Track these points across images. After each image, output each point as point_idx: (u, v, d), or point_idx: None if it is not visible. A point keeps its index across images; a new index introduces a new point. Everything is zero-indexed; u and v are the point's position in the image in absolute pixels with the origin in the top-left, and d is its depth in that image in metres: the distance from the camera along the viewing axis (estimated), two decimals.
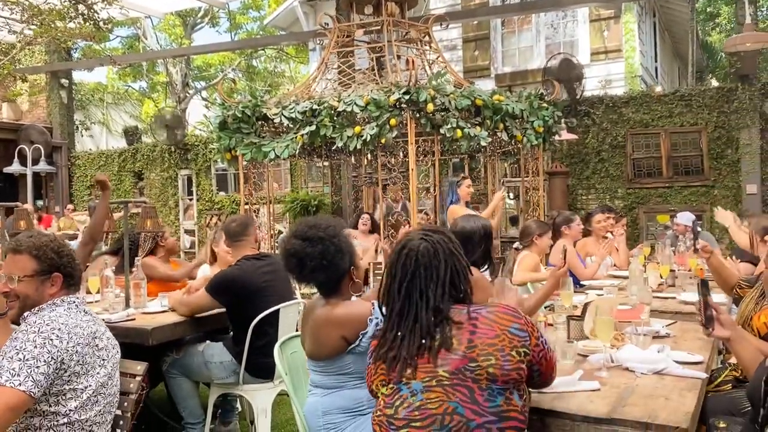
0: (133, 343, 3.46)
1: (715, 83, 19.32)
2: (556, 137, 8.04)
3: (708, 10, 19.74)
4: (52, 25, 7.67)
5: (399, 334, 1.83)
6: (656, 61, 14.38)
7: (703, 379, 2.29)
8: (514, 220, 10.92)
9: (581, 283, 4.75)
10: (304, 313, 2.53)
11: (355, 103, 5.99)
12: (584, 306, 2.96)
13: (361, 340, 2.30)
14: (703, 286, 2.25)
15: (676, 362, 2.41)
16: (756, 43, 7.71)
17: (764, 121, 9.04)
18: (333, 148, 7.19)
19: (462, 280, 1.90)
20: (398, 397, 1.79)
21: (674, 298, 4.03)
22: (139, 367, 2.38)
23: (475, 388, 1.73)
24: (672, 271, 4.71)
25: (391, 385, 1.82)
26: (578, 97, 10.17)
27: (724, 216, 5.10)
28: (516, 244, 4.98)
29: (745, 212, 7.13)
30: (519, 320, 1.82)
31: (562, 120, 8.05)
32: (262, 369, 3.63)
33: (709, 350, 2.72)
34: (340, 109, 6.10)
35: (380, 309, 1.97)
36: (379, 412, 1.83)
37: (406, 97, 5.91)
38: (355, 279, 2.49)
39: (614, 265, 5.57)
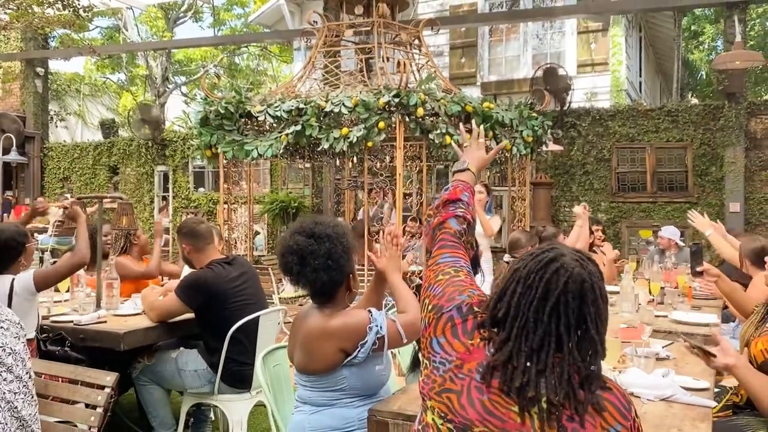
0: (102, 348, 3.27)
1: (695, 100, 19.54)
2: (543, 148, 7.98)
3: (692, 28, 19.94)
4: (30, 10, 7.40)
5: (529, 365, 1.37)
6: (641, 76, 14.45)
7: (712, 408, 2.17)
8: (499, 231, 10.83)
9: None
10: (294, 322, 2.35)
11: (343, 103, 5.83)
12: None
13: (359, 351, 2.13)
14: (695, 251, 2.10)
15: (683, 388, 2.29)
16: (745, 62, 7.72)
17: (749, 139, 9.07)
18: (318, 149, 7.02)
19: (601, 336, 1.40)
20: None
21: (666, 316, 3.93)
22: (109, 378, 2.18)
23: None
24: (661, 288, 4.62)
25: (449, 426, 1.42)
26: (566, 108, 10.12)
27: (701, 223, 4.64)
28: (506, 257, 4.84)
29: (728, 231, 7.09)
30: (626, 421, 1.36)
31: (550, 130, 7.98)
32: (237, 379, 3.45)
33: (713, 375, 2.61)
34: (327, 110, 5.93)
35: (494, 321, 1.45)
36: None
37: (396, 100, 5.76)
38: (352, 288, 2.32)
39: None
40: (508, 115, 6.73)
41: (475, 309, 1.52)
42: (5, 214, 10.40)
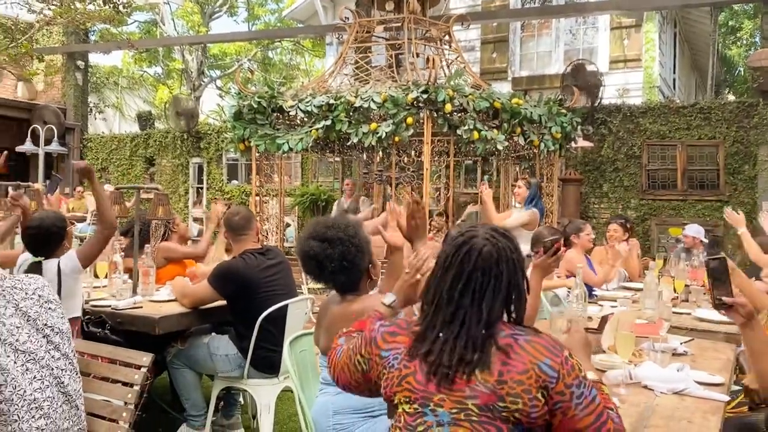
0: (138, 331, 3.43)
1: (732, 97, 19.16)
2: (573, 144, 7.97)
3: (730, 23, 19.54)
4: (72, 6, 7.64)
5: (441, 335, 1.61)
6: (674, 73, 14.24)
7: (725, 402, 2.22)
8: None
9: (594, 293, 4.67)
10: (320, 310, 2.48)
11: (372, 99, 5.92)
12: (601, 318, 2.89)
13: None
14: (715, 268, 2.10)
15: (697, 382, 2.34)
16: None
17: None
18: (347, 143, 7.13)
19: (519, 300, 1.66)
20: (421, 422, 1.60)
21: (689, 314, 3.95)
22: (145, 359, 2.33)
23: (504, 428, 1.54)
24: (686, 285, 4.62)
25: (415, 406, 1.61)
26: (596, 104, 10.07)
27: (735, 219, 4.67)
28: (527, 252, 4.90)
29: (759, 231, 7.01)
30: (556, 357, 1.54)
31: (579, 127, 7.97)
32: (266, 364, 3.59)
33: (729, 371, 2.65)
34: (356, 105, 6.03)
35: (423, 303, 1.71)
36: (398, 431, 1.66)
37: (425, 95, 5.84)
38: (373, 277, 2.44)
39: (627, 278, 5.50)
40: (536, 111, 6.75)
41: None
42: (48, 194, 10.74)
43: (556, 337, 1.90)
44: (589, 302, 4.11)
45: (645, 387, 2.29)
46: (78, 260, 3.31)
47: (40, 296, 2.17)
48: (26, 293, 2.15)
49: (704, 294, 4.48)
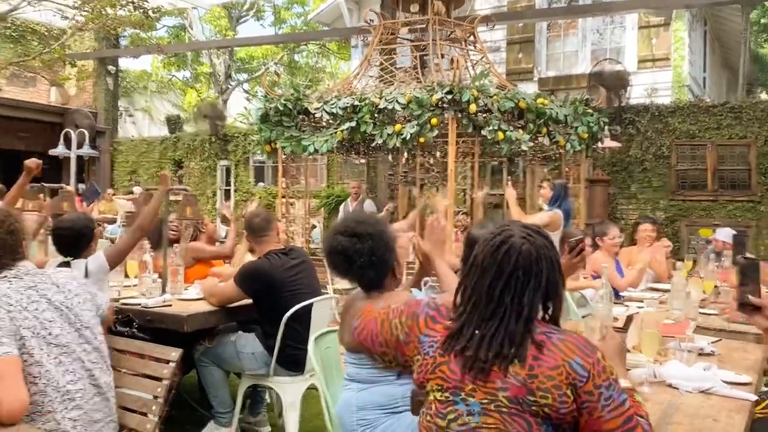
0: (167, 329, 3.50)
1: (764, 96, 18.75)
2: (599, 144, 7.90)
3: (762, 21, 19.16)
4: (103, 12, 7.81)
5: (477, 332, 1.63)
6: (704, 71, 14.01)
7: (752, 401, 2.19)
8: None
9: (620, 294, 4.64)
10: (344, 307, 2.51)
11: (396, 100, 5.95)
12: (627, 318, 2.88)
13: None
14: (746, 266, 2.04)
15: (724, 382, 2.31)
16: None
17: None
18: (372, 145, 7.17)
19: (557, 297, 1.69)
20: (452, 410, 1.64)
21: (718, 315, 3.90)
22: (173, 354, 2.38)
23: (533, 422, 1.57)
24: (715, 287, 4.56)
25: (447, 394, 1.65)
26: (623, 104, 9.96)
27: None
28: None
29: None
30: (587, 357, 1.57)
31: (606, 127, 7.89)
32: (292, 362, 3.63)
33: (758, 371, 2.61)
34: (381, 107, 6.06)
35: (455, 301, 1.74)
36: (429, 418, 1.70)
37: (449, 96, 5.85)
38: (398, 275, 2.46)
39: (655, 279, 5.43)
40: (562, 111, 6.71)
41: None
42: (85, 203, 10.98)
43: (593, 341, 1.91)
44: (616, 303, 4.08)
45: (669, 385, 2.27)
46: (105, 261, 3.40)
47: (70, 290, 2.24)
48: (58, 287, 2.22)
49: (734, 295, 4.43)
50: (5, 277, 2.17)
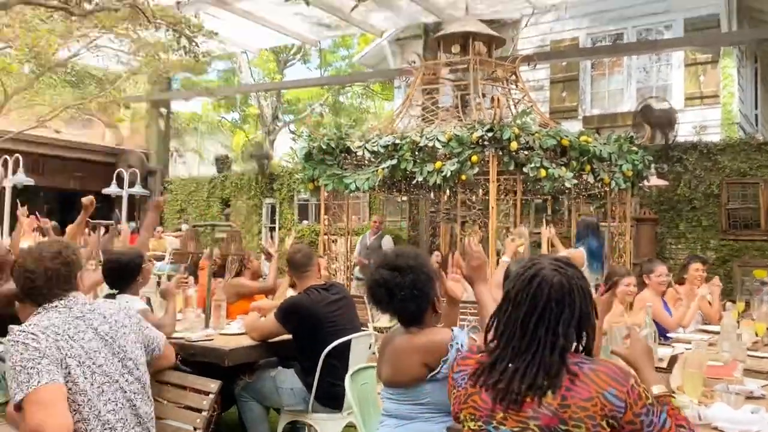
0: (209, 364, 3.55)
1: None
2: (645, 182, 7.77)
3: None
4: (156, 57, 8.17)
5: (510, 365, 1.66)
6: (756, 108, 13.70)
7: None
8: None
9: (669, 335, 4.50)
10: (382, 343, 2.52)
11: (437, 138, 6.00)
12: (671, 358, 2.80)
13: (441, 367, 2.26)
14: None
15: None
16: None
17: None
18: (413, 182, 7.22)
19: (591, 328, 1.71)
20: None
21: None
22: (213, 385, 2.43)
23: None
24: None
25: (479, 423, 1.68)
26: (670, 142, 9.80)
27: None
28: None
29: None
30: (621, 386, 1.58)
31: (653, 165, 7.76)
32: (331, 398, 3.63)
33: None
34: (421, 144, 6.12)
35: (486, 336, 1.79)
36: None
37: (490, 134, 5.87)
38: (438, 310, 2.46)
39: (705, 321, 5.25)
40: (606, 149, 6.64)
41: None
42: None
43: (617, 346, 1.97)
44: (663, 344, 3.97)
45: (715, 429, 2.19)
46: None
47: (116, 321, 2.31)
48: (104, 317, 2.29)
49: None
50: (56, 307, 2.26)
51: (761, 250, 9.19)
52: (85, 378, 2.13)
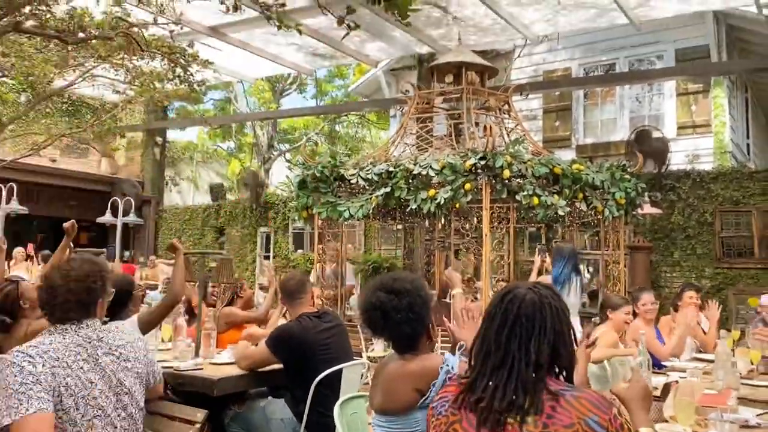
0: (197, 393, 3.50)
1: None
2: (639, 210, 7.78)
3: None
4: (151, 86, 8.23)
5: (490, 383, 1.65)
6: (748, 137, 13.83)
7: None
8: (593, 295, 10.51)
9: (662, 364, 4.46)
10: (376, 370, 2.49)
11: (430, 166, 6.02)
12: (663, 386, 2.77)
13: (431, 391, 2.24)
14: None
15: None
16: None
17: None
18: (407, 210, 7.22)
19: (566, 347, 1.70)
20: None
21: (766, 386, 3.71)
22: (199, 415, 2.39)
23: None
24: (764, 357, 4.36)
25: None
26: (663, 170, 9.86)
27: None
28: (595, 318, 4.75)
29: None
30: (604, 414, 1.57)
31: (646, 193, 7.79)
32: (321, 428, 3.56)
33: None
34: (415, 172, 6.14)
35: (470, 355, 1.78)
36: None
37: (482, 162, 5.89)
38: (432, 337, 2.45)
39: (699, 350, 5.21)
40: (599, 177, 6.67)
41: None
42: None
43: (618, 384, 1.94)
44: (657, 372, 3.94)
45: None
46: (138, 327, 3.44)
47: (121, 354, 2.27)
48: (110, 348, 2.25)
49: None
50: (65, 329, 2.21)
51: (755, 278, 9.20)
52: (77, 409, 2.09)
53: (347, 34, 4.64)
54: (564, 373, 1.70)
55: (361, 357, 6.49)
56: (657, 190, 9.60)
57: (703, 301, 5.82)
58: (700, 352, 5.16)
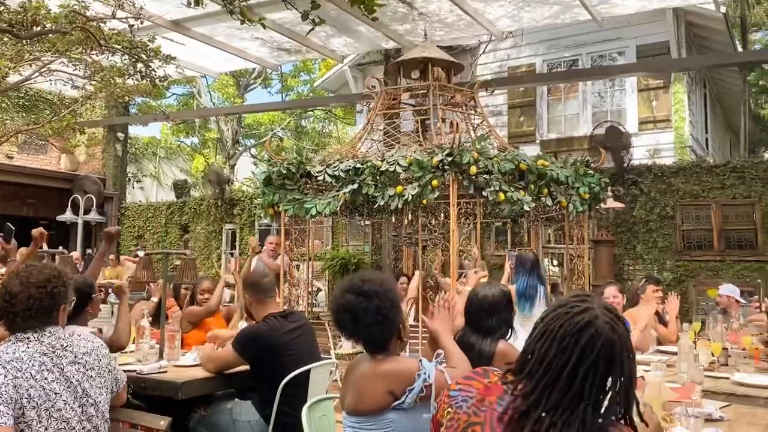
0: (162, 396, 3.42)
1: (767, 156, 18.88)
2: (602, 205, 7.89)
3: (761, 83, 19.48)
4: (112, 81, 8.03)
5: (545, 416, 1.50)
6: (707, 132, 14.15)
7: None
8: (554, 288, 10.64)
9: None
10: (347, 370, 2.46)
11: (398, 163, 6.00)
12: None
13: (407, 396, 2.21)
14: None
15: None
16: None
17: None
18: (375, 206, 7.20)
19: (631, 391, 1.53)
20: None
21: (727, 378, 3.80)
22: (162, 422, 2.33)
23: None
24: (725, 349, 4.46)
25: None
26: (626, 165, 10.02)
27: None
28: None
29: None
30: None
31: (609, 188, 7.90)
32: (289, 430, 3.52)
33: None
34: (382, 169, 6.11)
35: (524, 372, 1.59)
36: None
37: (450, 158, 5.90)
38: (403, 337, 2.42)
39: (659, 342, 5.31)
40: (563, 173, 6.73)
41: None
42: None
43: None
44: None
45: None
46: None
47: (86, 362, 2.20)
48: (75, 357, 2.18)
49: (744, 357, 4.32)
50: (27, 338, 2.14)
51: (715, 270, 9.42)
52: (40, 422, 2.02)
53: (312, 29, 4.58)
54: (626, 418, 1.56)
55: (329, 354, 6.46)
56: (620, 184, 9.76)
57: (664, 293, 5.94)
58: (660, 344, 5.26)
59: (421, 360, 2.32)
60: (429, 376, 2.24)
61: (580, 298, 1.60)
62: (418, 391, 2.21)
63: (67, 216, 13.59)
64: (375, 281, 2.41)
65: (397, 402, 2.23)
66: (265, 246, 8.44)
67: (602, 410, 1.49)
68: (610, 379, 1.49)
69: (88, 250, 14.51)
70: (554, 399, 1.50)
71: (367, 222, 10.52)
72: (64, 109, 10.05)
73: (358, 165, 6.32)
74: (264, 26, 5.05)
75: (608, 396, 1.49)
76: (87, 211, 13.70)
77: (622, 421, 1.52)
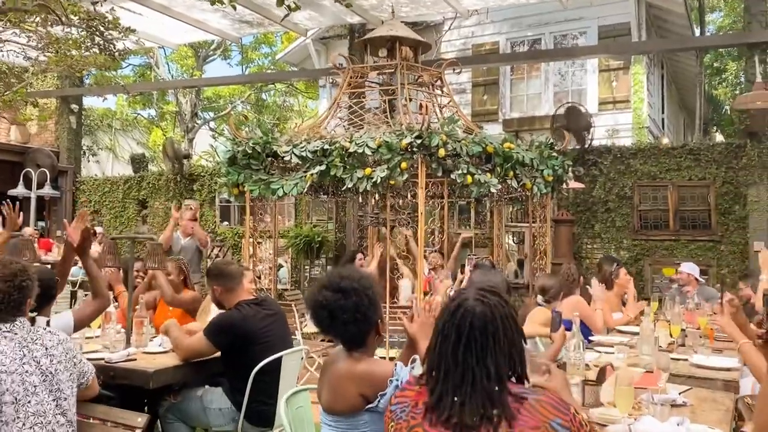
0: (131, 385, 3.38)
1: (720, 137, 19.43)
2: (564, 186, 8.03)
3: (715, 65, 19.96)
4: (68, 53, 7.72)
5: (456, 399, 1.68)
6: (663, 113, 14.47)
7: None
8: (521, 264, 10.85)
9: (590, 338, 4.66)
10: (324, 363, 2.47)
11: (366, 144, 5.98)
12: (600, 369, 2.88)
13: (379, 401, 2.22)
14: None
15: None
16: (766, 102, 7.73)
17: None
18: (342, 187, 7.16)
19: (519, 353, 1.75)
20: None
21: (686, 360, 3.94)
22: (140, 419, 2.31)
23: None
24: (682, 330, 4.61)
25: None
26: (587, 146, 10.18)
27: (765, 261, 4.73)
28: (539, 299, 4.87)
29: (752, 271, 7.05)
30: (564, 416, 1.66)
31: (571, 169, 8.04)
32: (261, 417, 3.54)
33: (728, 422, 2.63)
34: (351, 150, 6.08)
35: (427, 369, 1.79)
36: None
37: (419, 141, 5.90)
38: (381, 333, 2.43)
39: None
40: (528, 155, 6.81)
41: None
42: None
43: (536, 378, 2.01)
44: (586, 348, 4.09)
45: None
46: (72, 323, 3.29)
47: (54, 355, 2.18)
48: (46, 349, 2.16)
49: (700, 338, 4.48)
50: (2, 332, 2.11)
51: (669, 250, 9.70)
52: (17, 417, 2.00)
53: (287, 15, 4.48)
54: (519, 375, 1.76)
55: (296, 335, 6.46)
56: (580, 165, 9.92)
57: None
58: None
59: (396, 364, 2.32)
60: (401, 382, 2.25)
61: (458, 292, 1.84)
62: (390, 397, 2.23)
63: (20, 190, 13.14)
64: (353, 278, 2.40)
65: (370, 405, 2.24)
66: (184, 213, 7.92)
67: (497, 376, 1.67)
68: (489, 345, 1.69)
69: (41, 223, 14.10)
70: (455, 380, 1.69)
71: (332, 199, 10.48)
72: (15, 80, 9.64)
73: (326, 146, 6.27)
74: (234, 6, 4.90)
75: (495, 363, 1.67)
76: (40, 186, 13.26)
77: (514, 379, 1.73)
